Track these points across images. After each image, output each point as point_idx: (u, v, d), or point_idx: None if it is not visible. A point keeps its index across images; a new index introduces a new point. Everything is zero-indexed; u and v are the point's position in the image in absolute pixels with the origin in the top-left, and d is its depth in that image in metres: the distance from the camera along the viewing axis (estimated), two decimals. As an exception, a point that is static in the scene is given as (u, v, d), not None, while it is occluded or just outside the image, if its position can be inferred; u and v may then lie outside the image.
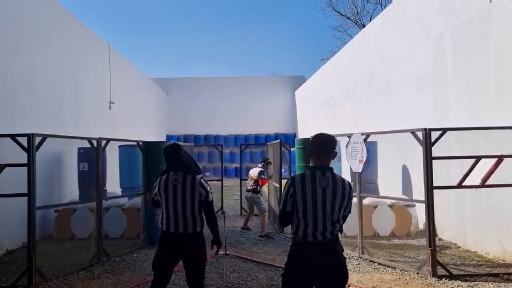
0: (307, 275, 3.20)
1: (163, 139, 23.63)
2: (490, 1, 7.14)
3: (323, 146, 3.42)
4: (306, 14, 70.26)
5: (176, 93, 25.88)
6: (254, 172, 9.69)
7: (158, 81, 24.56)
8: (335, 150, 3.43)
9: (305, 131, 21.37)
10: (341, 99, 15.91)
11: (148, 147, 8.40)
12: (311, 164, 3.46)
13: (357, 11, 31.77)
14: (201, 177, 4.27)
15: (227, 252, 7.38)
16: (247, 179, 10.04)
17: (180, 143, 12.16)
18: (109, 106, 14.00)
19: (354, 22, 31.28)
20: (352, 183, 9.10)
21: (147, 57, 67.83)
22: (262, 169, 9.71)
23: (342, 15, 32.16)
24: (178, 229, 4.12)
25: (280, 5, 68.96)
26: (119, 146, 10.20)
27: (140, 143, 8.37)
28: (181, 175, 4.20)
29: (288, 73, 46.67)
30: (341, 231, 3.37)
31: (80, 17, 12.48)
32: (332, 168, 3.37)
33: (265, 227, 9.15)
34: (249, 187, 9.64)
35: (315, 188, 3.27)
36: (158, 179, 4.31)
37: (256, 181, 9.54)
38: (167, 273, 4.28)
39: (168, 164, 4.34)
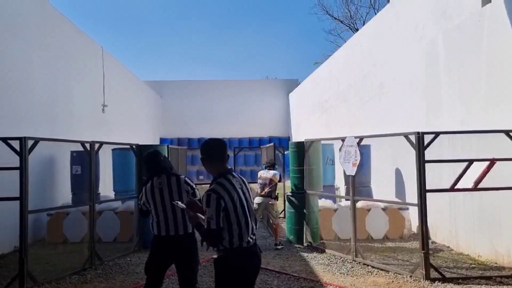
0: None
1: (157, 142, 23.57)
2: (482, 6, 7.20)
3: (223, 150, 3.31)
4: (300, 18, 70.63)
5: (170, 96, 25.83)
6: (268, 174, 8.55)
7: (152, 84, 24.51)
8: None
9: (299, 134, 21.41)
10: (335, 102, 15.95)
11: (141, 151, 8.36)
12: (215, 172, 3.27)
13: (351, 15, 31.97)
14: (185, 176, 4.36)
15: (221, 256, 7.33)
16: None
17: (175, 147, 12.06)
18: (103, 109, 13.95)
19: (347, 26, 31.47)
20: (346, 186, 9.12)
21: (141, 60, 67.77)
22: (277, 172, 8.74)
23: (335, 19, 32.38)
24: (169, 232, 4.13)
25: (275, 8, 69.21)
26: (113, 150, 10.15)
27: (134, 146, 8.34)
28: (165, 178, 4.25)
29: (282, 77, 46.76)
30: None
31: (73, 20, 12.44)
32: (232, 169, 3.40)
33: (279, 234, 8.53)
34: (263, 192, 8.45)
35: (238, 193, 3.18)
36: (143, 188, 4.33)
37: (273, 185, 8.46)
38: (160, 276, 4.27)
39: (150, 171, 4.37)
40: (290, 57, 70.04)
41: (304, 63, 70.79)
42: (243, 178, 3.38)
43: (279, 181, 8.63)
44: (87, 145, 7.09)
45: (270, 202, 8.41)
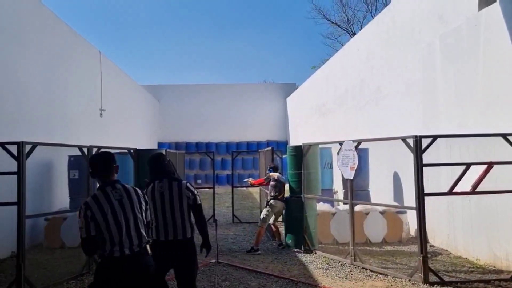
0: None
1: (155, 146, 23.52)
2: (479, 10, 7.24)
3: (105, 164, 3.51)
4: (298, 22, 70.82)
5: (167, 100, 25.83)
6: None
7: (149, 88, 24.51)
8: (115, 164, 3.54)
9: (297, 138, 21.41)
10: (332, 106, 15.98)
11: (139, 155, 8.36)
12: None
13: (348, 19, 31.99)
14: (187, 182, 4.36)
15: (219, 260, 7.33)
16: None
17: (172, 151, 12.05)
18: (100, 114, 13.93)
19: (345, 30, 31.59)
20: (344, 190, 9.11)
21: (139, 64, 67.73)
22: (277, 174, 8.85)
23: (333, 23, 32.47)
24: (168, 236, 4.12)
25: (273, 13, 69.39)
26: (111, 154, 10.11)
27: (132, 151, 8.33)
28: (166, 182, 4.24)
29: (280, 81, 46.87)
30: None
31: (72, 24, 12.45)
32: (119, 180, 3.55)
33: (260, 239, 8.50)
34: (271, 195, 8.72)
35: (112, 204, 3.36)
36: (144, 191, 4.32)
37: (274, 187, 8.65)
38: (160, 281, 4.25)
39: (153, 174, 4.37)
40: (288, 61, 70.25)
41: (301, 67, 71.00)
42: (131, 189, 3.50)
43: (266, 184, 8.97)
44: (85, 150, 7.08)
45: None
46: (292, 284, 6.18)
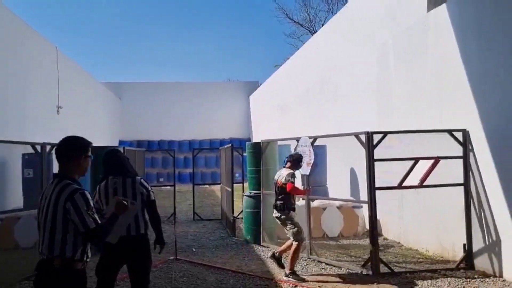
0: None
1: (116, 144, 23.12)
2: (428, 11, 7.56)
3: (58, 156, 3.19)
4: (261, 21, 70.95)
5: (129, 98, 25.43)
6: (279, 175, 6.55)
7: (110, 85, 24.05)
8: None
9: (260, 136, 21.56)
10: (293, 104, 16.21)
11: (95, 153, 8.21)
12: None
13: (310, 19, 32.35)
14: (141, 178, 4.36)
15: (178, 257, 7.34)
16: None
17: (132, 148, 11.91)
18: (57, 111, 13.59)
19: (307, 29, 31.94)
20: (302, 186, 9.29)
21: (100, 62, 66.08)
22: (291, 170, 6.49)
23: (295, 22, 32.78)
24: (122, 232, 4.11)
25: (237, 12, 69.26)
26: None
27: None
28: (120, 178, 4.23)
29: (244, 79, 46.91)
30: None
31: (28, 19, 12.09)
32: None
33: (295, 260, 6.36)
34: (275, 202, 6.53)
35: (41, 199, 3.21)
36: (98, 187, 4.31)
37: (282, 190, 6.38)
38: (111, 278, 4.25)
39: (106, 169, 4.36)
40: (251, 59, 70.23)
41: (265, 65, 71.21)
42: (60, 188, 3.03)
43: (284, 182, 6.30)
44: (38, 147, 6.91)
45: (279, 216, 6.44)
46: (249, 279, 6.28)
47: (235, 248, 8.35)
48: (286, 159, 6.71)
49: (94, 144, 9.06)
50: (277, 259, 6.53)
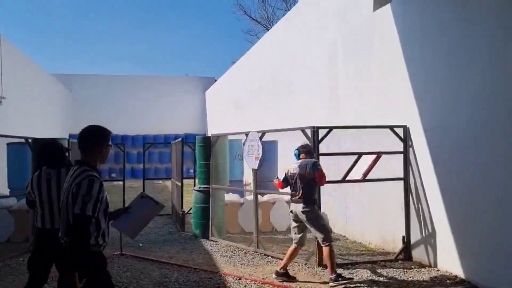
0: None
1: (66, 137, 22.35)
2: (374, 11, 7.77)
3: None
4: (220, 17, 70.54)
5: (81, 90, 24.59)
6: (300, 166, 5.85)
7: (60, 77, 23.16)
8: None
9: (215, 131, 21.48)
10: (248, 100, 16.26)
11: (39, 145, 7.92)
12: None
13: (268, 17, 32.51)
14: None
15: (123, 252, 7.21)
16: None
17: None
18: (0, 101, 12.96)
19: (264, 27, 32.04)
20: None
21: (51, 52, 63.55)
22: (315, 159, 6.02)
23: (253, 19, 32.84)
24: (55, 225, 3.99)
25: (195, 7, 68.48)
26: (7, 144, 9.50)
27: (30, 140, 7.88)
28: (55, 170, 4.10)
29: (202, 74, 46.61)
30: None
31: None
32: None
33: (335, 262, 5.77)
34: (296, 196, 5.87)
35: None
36: (31, 177, 4.17)
37: (310, 182, 5.77)
38: (44, 273, 4.12)
39: (41, 160, 4.23)
40: (209, 55, 69.78)
41: (222, 61, 71.11)
42: (76, 174, 3.27)
43: (312, 173, 5.69)
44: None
45: (306, 210, 5.74)
46: (194, 272, 6.25)
47: (183, 242, 8.29)
48: (297, 151, 6.03)
49: (43, 137, 8.74)
50: (283, 274, 5.85)
